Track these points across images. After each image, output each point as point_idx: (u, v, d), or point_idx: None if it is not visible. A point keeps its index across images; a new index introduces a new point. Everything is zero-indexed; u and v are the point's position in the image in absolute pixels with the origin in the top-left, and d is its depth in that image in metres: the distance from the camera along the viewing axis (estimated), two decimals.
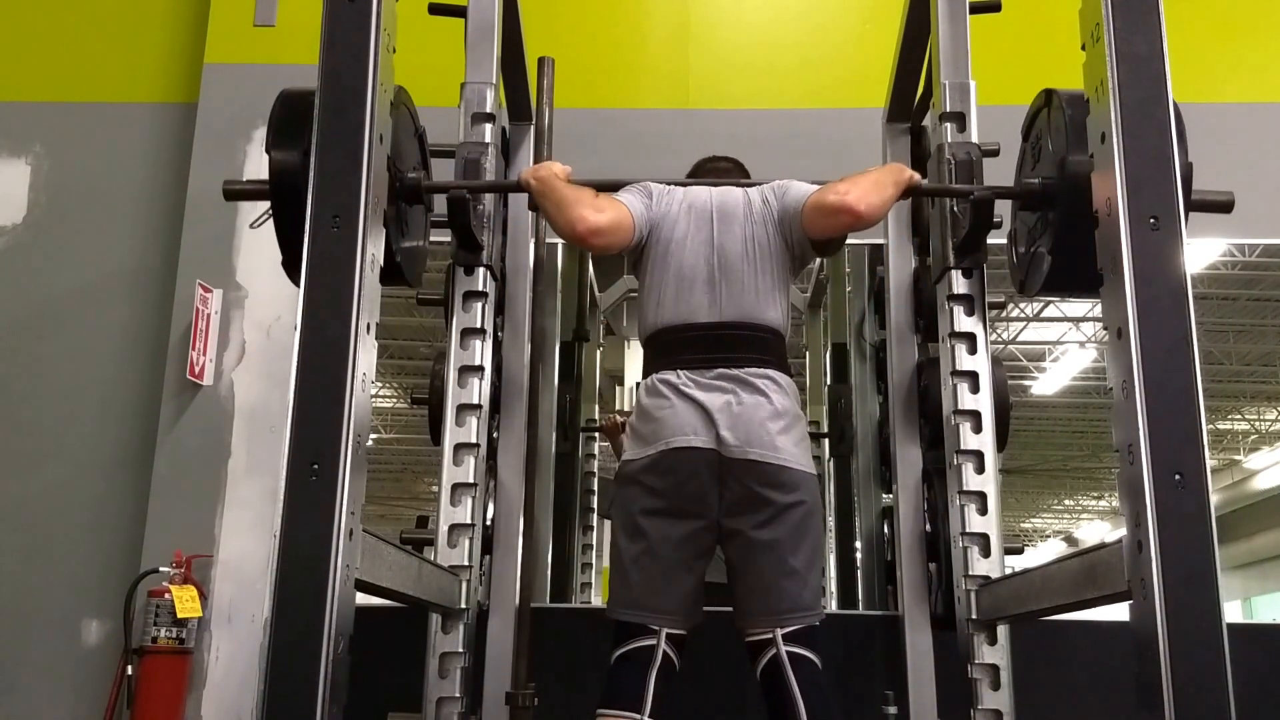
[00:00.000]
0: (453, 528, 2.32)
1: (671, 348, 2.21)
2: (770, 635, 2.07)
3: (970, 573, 2.26)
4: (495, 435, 2.55)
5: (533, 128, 2.82)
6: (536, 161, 2.71)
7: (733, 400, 2.11)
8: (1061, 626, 2.60)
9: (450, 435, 2.36)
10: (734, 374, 2.13)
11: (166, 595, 3.17)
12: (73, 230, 3.73)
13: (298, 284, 2.09)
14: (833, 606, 3.76)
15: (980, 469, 2.31)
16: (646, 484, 2.12)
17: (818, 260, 4.16)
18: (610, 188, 2.31)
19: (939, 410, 2.42)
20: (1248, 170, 3.53)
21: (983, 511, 2.28)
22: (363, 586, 1.59)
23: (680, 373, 2.16)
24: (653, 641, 2.09)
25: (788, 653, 2.05)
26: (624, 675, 2.08)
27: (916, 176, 2.29)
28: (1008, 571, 2.25)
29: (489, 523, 2.46)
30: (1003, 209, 2.31)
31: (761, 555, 2.08)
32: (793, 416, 2.15)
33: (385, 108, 1.74)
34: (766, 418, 2.10)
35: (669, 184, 2.37)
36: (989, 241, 2.37)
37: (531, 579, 2.58)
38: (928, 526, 2.53)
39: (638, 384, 2.27)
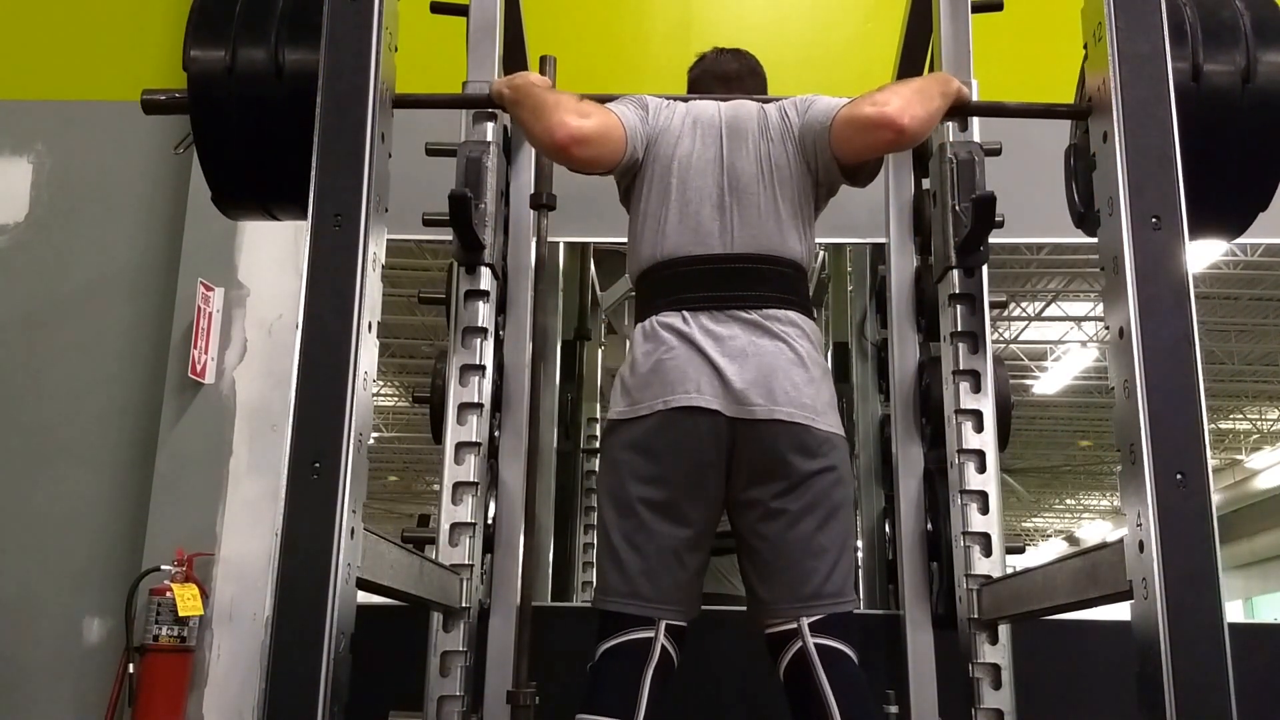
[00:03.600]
0: (454, 526, 2.32)
1: (673, 284, 1.90)
2: (794, 625, 1.79)
3: (971, 572, 2.26)
4: (497, 434, 2.54)
5: None
6: (538, 161, 2.70)
7: (749, 348, 1.81)
8: (1063, 626, 2.60)
9: (451, 434, 2.35)
10: (750, 317, 1.83)
11: (168, 593, 3.17)
12: (74, 228, 3.73)
13: (229, 216, 2.01)
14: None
15: (982, 468, 2.30)
16: (638, 468, 1.83)
17: (818, 262, 4.14)
18: (602, 101, 2.10)
19: (940, 409, 2.42)
20: None
21: (984, 511, 2.28)
22: (364, 585, 1.59)
23: (684, 313, 1.84)
24: (649, 634, 1.80)
25: (816, 645, 1.77)
26: (614, 673, 1.80)
27: (964, 89, 2.00)
28: (1009, 571, 2.24)
29: (490, 521, 2.46)
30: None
31: (783, 530, 1.80)
32: (821, 368, 1.87)
33: (387, 107, 1.74)
34: (789, 365, 1.81)
35: (669, 98, 2.08)
36: (991, 241, 2.36)
37: (533, 578, 2.58)
38: (929, 526, 2.53)
39: (631, 335, 1.98)
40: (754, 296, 1.85)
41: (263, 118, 1.87)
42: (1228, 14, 1.87)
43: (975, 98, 2.39)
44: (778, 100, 2.03)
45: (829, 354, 4.15)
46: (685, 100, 2.04)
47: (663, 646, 1.82)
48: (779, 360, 1.81)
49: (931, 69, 2.54)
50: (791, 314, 1.86)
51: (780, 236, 1.91)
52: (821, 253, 4.54)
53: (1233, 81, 1.84)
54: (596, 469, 4.14)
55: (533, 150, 2.80)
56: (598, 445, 4.72)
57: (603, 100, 2.04)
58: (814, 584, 1.80)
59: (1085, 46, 1.79)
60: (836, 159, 1.93)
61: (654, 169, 1.98)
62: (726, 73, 2.18)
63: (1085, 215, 2.14)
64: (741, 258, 1.88)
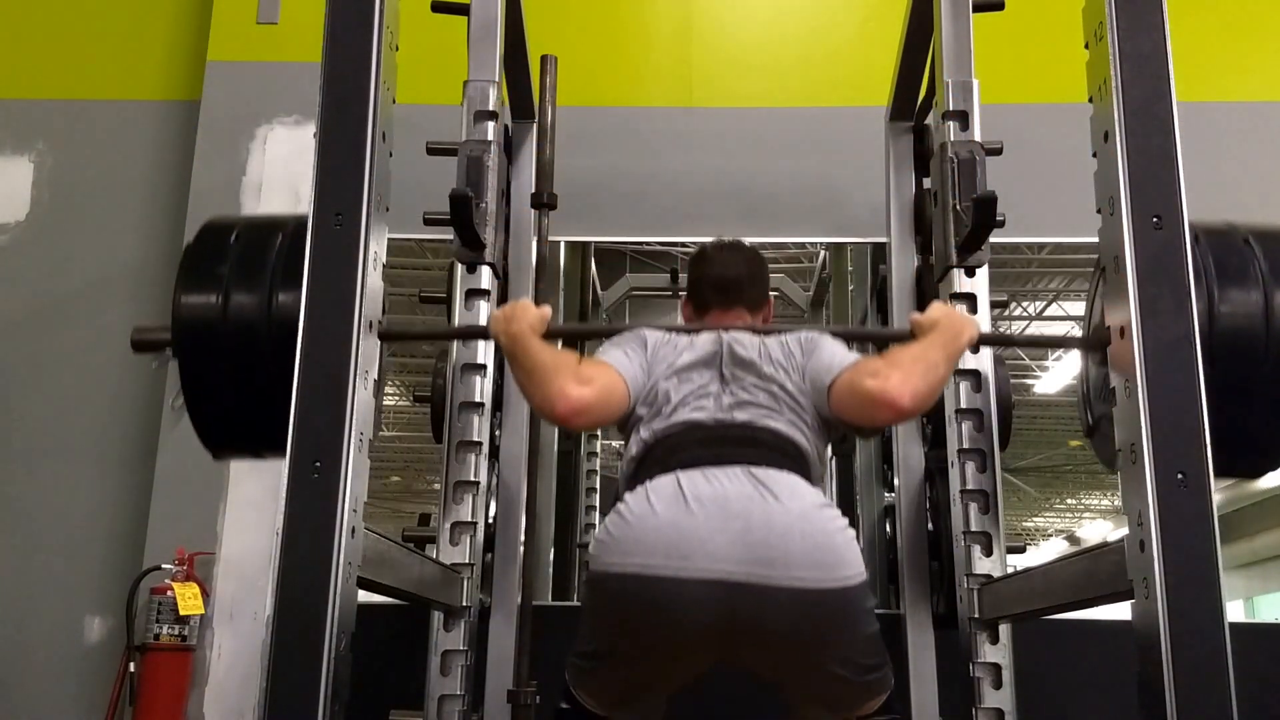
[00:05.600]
0: (455, 525, 2.32)
1: (666, 454, 1.75)
2: None
3: (972, 571, 2.26)
4: (497, 433, 2.55)
5: (535, 125, 2.82)
6: (539, 161, 2.70)
7: (758, 499, 1.61)
8: (1064, 626, 2.60)
9: (452, 433, 2.36)
10: (755, 473, 1.65)
11: (169, 592, 3.17)
12: (75, 227, 3.73)
13: (216, 456, 2.01)
14: None
15: (982, 468, 2.31)
16: (608, 644, 1.68)
17: (819, 261, 4.15)
18: (602, 335, 2.01)
19: (941, 409, 2.42)
20: (1250, 169, 3.53)
21: (985, 510, 2.28)
22: (365, 584, 1.59)
23: (679, 473, 1.66)
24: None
25: None
26: None
27: (974, 332, 1.84)
28: (1010, 570, 2.25)
29: (491, 521, 2.46)
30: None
31: (818, 688, 1.68)
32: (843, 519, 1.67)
33: (388, 105, 1.74)
34: (810, 511, 1.63)
35: (669, 330, 1.97)
36: (991, 240, 2.36)
37: (533, 577, 2.58)
38: (930, 525, 2.53)
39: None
40: (762, 455, 1.72)
41: (251, 364, 1.84)
42: (1241, 257, 1.82)
43: (978, 97, 2.39)
44: (777, 333, 1.93)
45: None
46: (687, 332, 1.96)
47: None
48: (798, 504, 1.64)
49: (933, 68, 2.54)
50: (803, 480, 1.70)
51: (785, 430, 1.80)
52: (823, 253, 4.55)
53: (1253, 323, 1.78)
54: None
55: (534, 149, 2.80)
56: (598, 445, 4.73)
57: (605, 335, 1.97)
58: (869, 697, 1.69)
59: (1086, 45, 1.79)
60: (837, 418, 1.83)
61: (652, 392, 1.87)
62: (726, 280, 2.07)
63: (1095, 430, 2.11)
64: (744, 425, 1.79)
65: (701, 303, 2.10)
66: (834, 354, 1.86)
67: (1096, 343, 1.78)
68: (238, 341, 1.85)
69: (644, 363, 1.89)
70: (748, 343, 1.90)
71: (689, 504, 1.61)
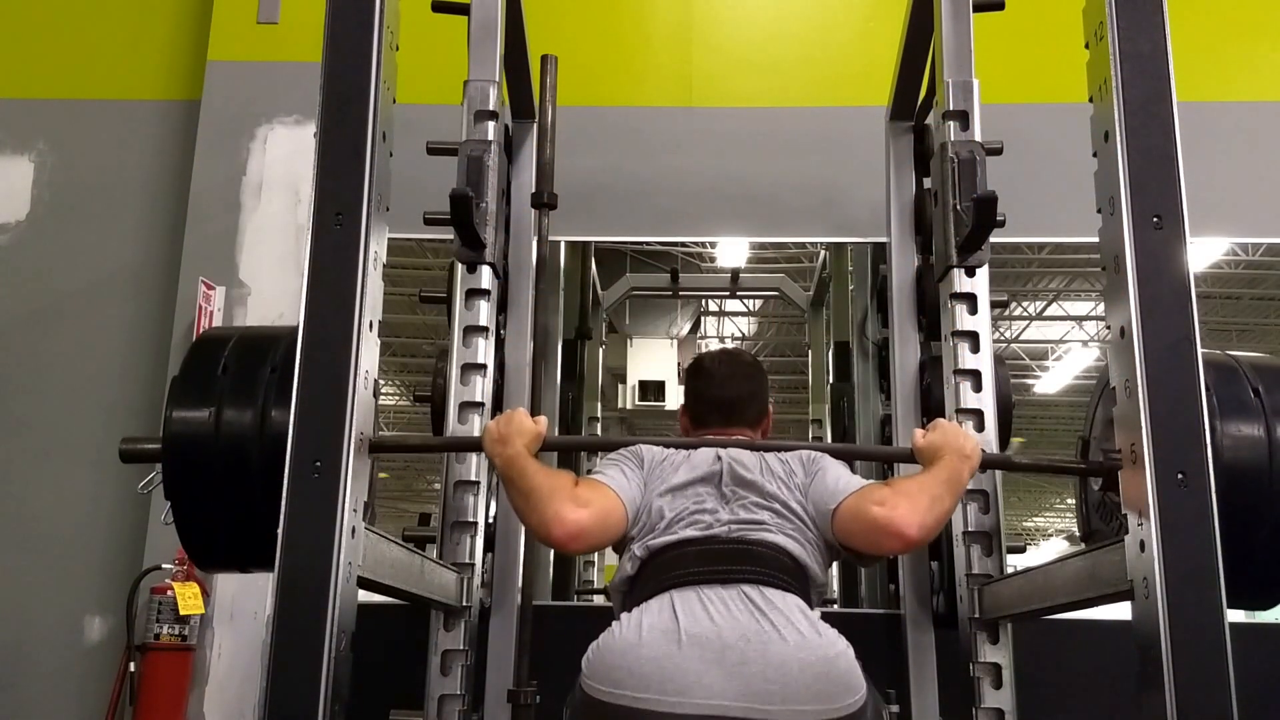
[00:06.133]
0: (455, 525, 2.32)
1: (661, 571, 1.73)
2: None
3: (972, 571, 2.26)
4: None
5: (535, 125, 2.81)
6: (539, 160, 2.70)
7: (755, 625, 1.60)
8: (1064, 625, 2.60)
9: (452, 432, 2.36)
10: (750, 594, 1.65)
11: (169, 592, 3.18)
12: (76, 227, 3.74)
13: (204, 569, 2.04)
14: (835, 605, 3.76)
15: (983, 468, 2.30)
16: None
17: (819, 261, 4.14)
18: (599, 448, 2.02)
19: (941, 409, 2.42)
20: (1251, 169, 3.53)
21: (985, 510, 2.28)
22: (365, 584, 1.59)
23: (673, 595, 1.65)
24: None
25: None
26: None
27: (978, 458, 1.83)
28: (1010, 570, 2.25)
29: (491, 520, 2.46)
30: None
31: None
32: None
33: (388, 105, 1.74)
34: (812, 636, 1.61)
35: (665, 445, 1.95)
36: (991, 240, 2.36)
37: (533, 576, 2.58)
38: None
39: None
40: (763, 574, 1.70)
41: (242, 480, 1.82)
42: (1243, 390, 1.83)
43: (978, 96, 2.39)
44: (777, 450, 1.92)
45: (830, 353, 4.14)
46: (684, 448, 1.95)
47: None
48: (797, 633, 1.62)
49: (933, 68, 2.53)
50: (805, 604, 1.69)
51: (785, 545, 1.78)
52: (823, 252, 4.55)
53: (1256, 451, 1.77)
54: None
55: (534, 149, 2.80)
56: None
57: (604, 448, 1.96)
58: None
59: (1086, 45, 1.79)
60: (840, 544, 1.83)
61: (649, 508, 1.86)
62: (727, 400, 2.08)
63: (1091, 535, 2.13)
64: (744, 540, 1.76)
65: (700, 420, 2.12)
66: (838, 478, 1.85)
67: (1100, 469, 1.79)
68: (228, 458, 1.82)
69: (641, 482, 1.87)
70: (748, 462, 1.88)
71: (681, 638, 1.59)
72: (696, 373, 2.20)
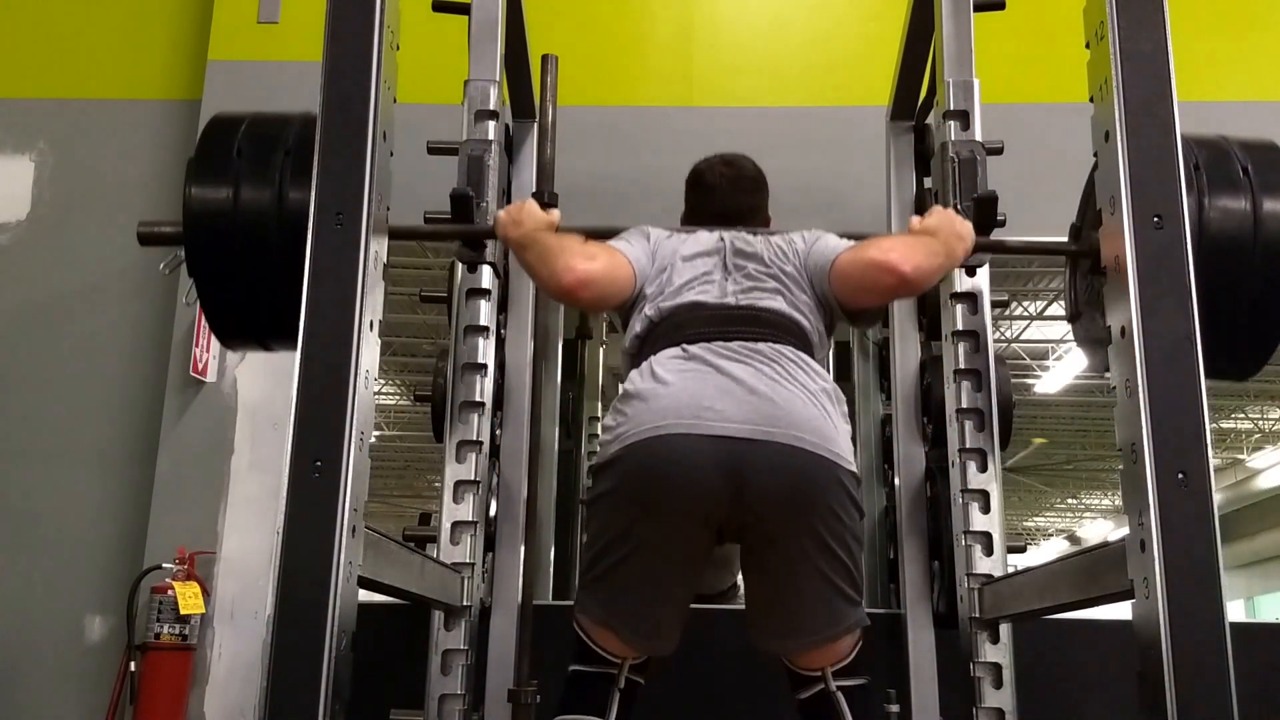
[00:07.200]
0: (455, 525, 2.32)
1: (673, 329, 1.83)
2: (819, 673, 1.76)
3: (973, 571, 2.26)
4: (498, 432, 2.55)
5: (536, 125, 2.81)
6: (540, 160, 2.70)
7: (763, 371, 1.72)
8: (1064, 625, 2.60)
9: (453, 432, 2.36)
10: (760, 348, 1.75)
11: (169, 592, 3.18)
12: (76, 227, 3.74)
13: (228, 346, 2.02)
14: None
15: (983, 467, 2.31)
16: (620, 525, 1.72)
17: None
18: (604, 234, 2.06)
19: (942, 408, 2.42)
20: None
21: (985, 510, 2.28)
22: (365, 583, 1.59)
23: (685, 347, 1.76)
24: (613, 671, 1.78)
25: (840, 687, 1.75)
26: (584, 686, 1.79)
27: (971, 239, 1.92)
28: (1010, 570, 2.25)
29: (491, 520, 2.46)
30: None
31: (803, 572, 1.71)
32: (841, 401, 1.77)
33: (389, 105, 1.74)
34: (815, 392, 1.72)
35: (671, 230, 2.05)
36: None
37: (534, 576, 2.58)
38: (930, 525, 2.53)
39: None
40: (764, 333, 1.80)
41: (262, 256, 1.87)
42: (1233, 163, 1.88)
43: (979, 96, 2.39)
44: (779, 233, 2.01)
45: (830, 353, 4.14)
46: (689, 231, 2.02)
47: (628, 680, 1.80)
48: (798, 381, 1.74)
49: (934, 68, 2.53)
50: (804, 356, 1.79)
51: (787, 311, 1.87)
52: None
53: (1242, 226, 1.82)
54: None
55: (535, 148, 2.80)
56: (598, 445, 4.72)
57: (608, 235, 2.02)
58: (839, 624, 1.75)
59: (1087, 45, 1.79)
60: (836, 297, 1.89)
61: (654, 284, 1.94)
62: (730, 212, 2.10)
63: (1078, 316, 2.22)
64: (746, 308, 1.85)
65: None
66: (835, 241, 1.94)
67: (1089, 250, 1.85)
68: (248, 233, 1.87)
69: (648, 250, 1.97)
70: (749, 238, 1.99)
71: (697, 372, 1.72)
72: (696, 185, 2.21)
